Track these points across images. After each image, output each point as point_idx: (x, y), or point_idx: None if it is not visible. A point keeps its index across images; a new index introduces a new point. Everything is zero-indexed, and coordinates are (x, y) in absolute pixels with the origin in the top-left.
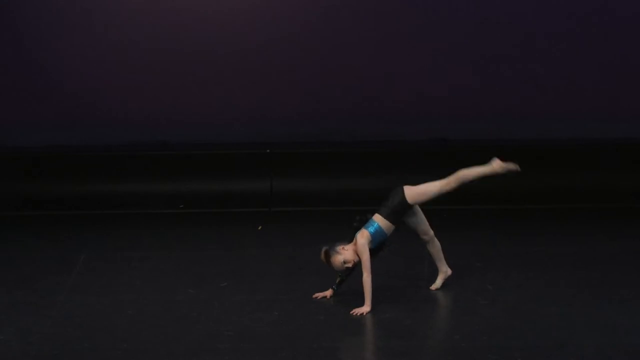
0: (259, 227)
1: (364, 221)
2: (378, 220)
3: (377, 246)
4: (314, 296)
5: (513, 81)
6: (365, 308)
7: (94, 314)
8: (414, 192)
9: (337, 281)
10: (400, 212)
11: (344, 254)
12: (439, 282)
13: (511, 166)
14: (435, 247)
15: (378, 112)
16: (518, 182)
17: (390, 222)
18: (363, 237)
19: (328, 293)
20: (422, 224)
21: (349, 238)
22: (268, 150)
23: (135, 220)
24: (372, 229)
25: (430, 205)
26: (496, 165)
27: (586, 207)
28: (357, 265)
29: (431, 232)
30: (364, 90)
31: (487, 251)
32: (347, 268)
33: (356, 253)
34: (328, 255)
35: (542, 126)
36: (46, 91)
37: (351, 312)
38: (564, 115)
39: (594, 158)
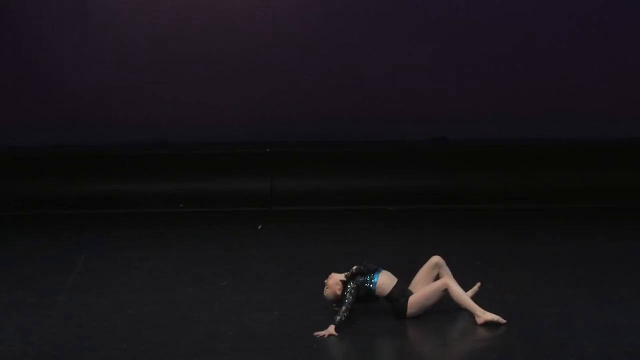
0: (259, 227)
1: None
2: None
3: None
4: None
5: (513, 81)
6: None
7: (94, 314)
8: (414, 310)
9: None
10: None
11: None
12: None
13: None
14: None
15: (378, 112)
16: (518, 182)
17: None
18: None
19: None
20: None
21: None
22: (268, 150)
23: (135, 220)
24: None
25: (430, 204)
26: (480, 319)
27: (586, 207)
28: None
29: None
30: (364, 90)
31: (487, 251)
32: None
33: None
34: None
35: (542, 126)
36: (46, 91)
37: None
38: (564, 115)
39: (594, 158)
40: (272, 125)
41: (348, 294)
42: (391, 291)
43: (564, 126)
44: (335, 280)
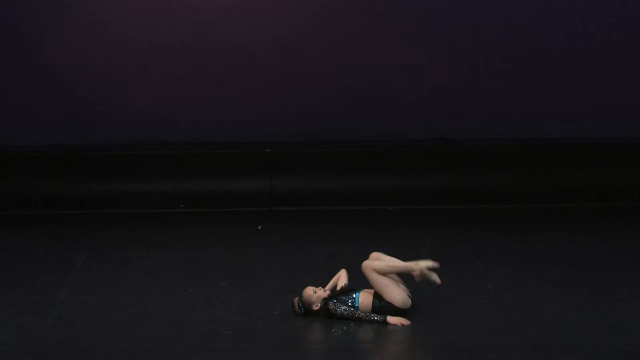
0: (259, 227)
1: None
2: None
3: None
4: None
5: (513, 81)
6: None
7: (94, 313)
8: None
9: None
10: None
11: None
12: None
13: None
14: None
15: (378, 112)
16: (518, 182)
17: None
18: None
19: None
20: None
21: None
22: (268, 150)
23: (135, 220)
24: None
25: (430, 204)
26: (417, 269)
27: (586, 207)
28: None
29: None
30: (364, 90)
31: (487, 251)
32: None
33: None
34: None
35: (542, 126)
36: (46, 91)
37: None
38: (564, 115)
39: (593, 158)
40: (272, 125)
41: (333, 311)
42: (373, 304)
43: (564, 126)
44: (319, 296)
